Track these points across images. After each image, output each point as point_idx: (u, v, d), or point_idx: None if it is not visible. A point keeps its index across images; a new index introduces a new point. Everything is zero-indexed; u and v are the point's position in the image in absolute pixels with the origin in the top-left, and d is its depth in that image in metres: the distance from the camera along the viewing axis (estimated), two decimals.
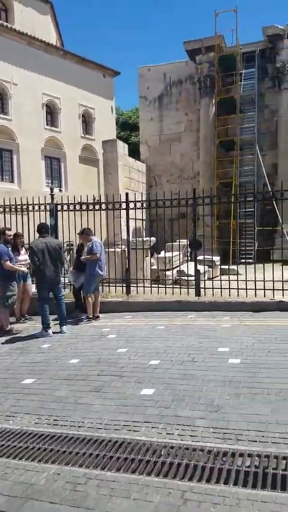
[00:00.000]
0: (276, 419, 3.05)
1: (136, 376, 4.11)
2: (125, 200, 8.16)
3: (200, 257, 9.01)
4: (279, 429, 2.92)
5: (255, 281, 7.08)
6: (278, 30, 13.72)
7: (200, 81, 15.06)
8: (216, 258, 10.69)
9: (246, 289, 7.12)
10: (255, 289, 7.05)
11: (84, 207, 8.17)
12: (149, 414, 3.29)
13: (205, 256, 8.99)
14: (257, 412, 3.18)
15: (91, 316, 6.74)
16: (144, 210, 9.08)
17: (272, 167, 14.31)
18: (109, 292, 8.12)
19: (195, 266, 7.92)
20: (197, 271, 7.80)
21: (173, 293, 7.78)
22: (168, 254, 10.03)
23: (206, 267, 9.61)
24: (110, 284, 8.17)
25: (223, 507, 2.22)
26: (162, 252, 10.29)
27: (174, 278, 9.33)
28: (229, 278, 7.47)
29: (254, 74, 14.34)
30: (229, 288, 7.30)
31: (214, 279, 8.88)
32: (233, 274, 8.48)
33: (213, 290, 7.43)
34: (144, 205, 8.11)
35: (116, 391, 3.79)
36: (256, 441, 2.79)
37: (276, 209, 11.69)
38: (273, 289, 6.90)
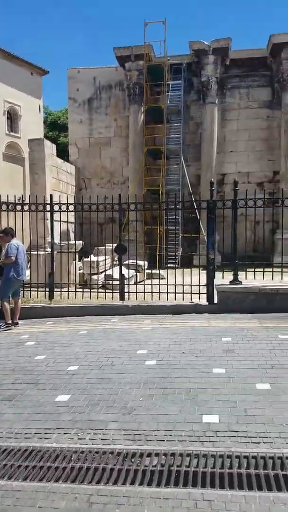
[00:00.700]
0: (184, 418, 3.22)
1: (52, 383, 4.05)
2: (49, 202, 8.01)
3: (128, 262, 9.13)
4: (185, 427, 3.08)
5: (175, 285, 7.37)
6: (203, 46, 14.43)
7: (130, 88, 15.30)
8: (143, 263, 10.92)
9: (167, 292, 7.38)
10: (175, 292, 7.34)
11: (5, 207, 7.86)
12: (62, 420, 3.27)
13: (133, 261, 9.14)
14: (167, 412, 3.32)
15: (9, 323, 6.49)
16: (75, 212, 8.99)
17: (196, 177, 14.99)
18: (30, 297, 7.89)
19: (120, 271, 8.02)
20: (121, 276, 7.90)
21: (97, 298, 7.79)
22: (96, 258, 10.02)
23: (133, 271, 9.77)
24: (33, 289, 7.94)
25: (127, 507, 2.29)
26: (91, 256, 10.25)
27: (101, 283, 9.35)
28: (151, 282, 7.69)
29: (181, 86, 14.94)
30: (151, 292, 7.50)
31: (140, 283, 9.06)
32: (158, 278, 8.77)
33: (136, 294, 7.59)
34: (70, 208, 8.03)
35: (29, 399, 3.71)
36: (164, 441, 2.92)
37: (199, 217, 12.26)
38: (191, 293, 7.25)
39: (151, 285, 7.55)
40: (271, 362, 4.26)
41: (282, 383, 3.71)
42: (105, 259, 10.43)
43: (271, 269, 7.45)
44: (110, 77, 16.44)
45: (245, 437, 2.88)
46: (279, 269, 7.51)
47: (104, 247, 10.85)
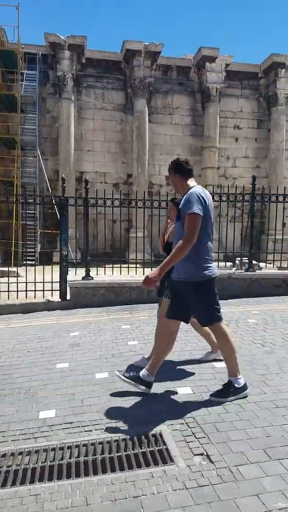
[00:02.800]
0: (20, 417, 3.15)
1: None
2: None
3: None
4: (20, 426, 3.02)
5: (26, 282, 7.15)
6: (59, 40, 14.24)
7: None
8: None
9: (17, 291, 7.11)
10: (26, 290, 7.12)
11: None
12: None
13: None
14: (3, 414, 3.20)
15: None
16: None
17: (54, 172, 14.77)
18: None
19: None
20: None
21: None
22: None
23: None
24: None
25: None
26: None
27: None
28: (2, 281, 7.29)
29: (36, 77, 14.47)
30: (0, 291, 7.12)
31: None
32: (12, 276, 8.34)
33: None
34: None
35: None
36: None
37: (57, 213, 12.11)
38: (43, 290, 7.14)
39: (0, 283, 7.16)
40: (111, 352, 4.50)
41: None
42: None
43: (126, 265, 7.89)
44: None
45: (79, 427, 2.98)
46: (133, 265, 8.02)
47: None
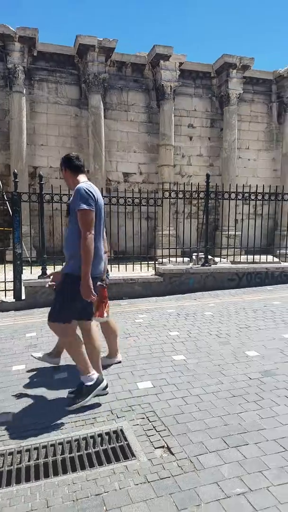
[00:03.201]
0: None
1: None
2: None
3: None
4: None
5: None
6: (9, 31, 13.71)
7: None
8: None
9: None
10: None
11: None
12: None
13: None
14: None
15: None
16: None
17: (5, 167, 14.26)
18: None
19: None
20: None
21: None
22: None
23: None
24: None
25: None
26: None
27: None
28: None
29: None
30: None
31: None
32: None
33: None
34: None
35: None
36: None
37: (10, 209, 11.72)
38: None
39: None
40: None
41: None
42: None
43: None
44: None
45: (38, 429, 2.91)
46: None
47: None
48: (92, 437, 2.78)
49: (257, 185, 9.33)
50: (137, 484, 2.31)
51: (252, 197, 8.85)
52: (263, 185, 9.76)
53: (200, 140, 16.15)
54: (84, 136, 15.06)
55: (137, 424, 2.91)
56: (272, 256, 10.01)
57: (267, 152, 16.65)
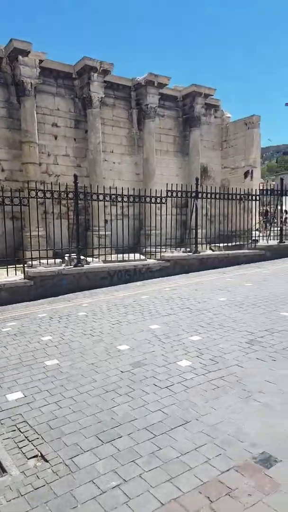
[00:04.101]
0: None
1: None
2: None
3: None
4: None
5: None
6: None
7: None
8: None
9: None
10: None
11: None
12: None
13: None
14: None
15: None
16: None
17: None
18: None
19: None
20: None
21: None
22: None
23: None
24: None
25: None
26: None
27: None
28: None
29: None
30: None
31: None
32: None
33: None
34: None
35: None
36: None
37: None
38: None
39: None
40: None
41: None
42: None
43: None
44: None
45: None
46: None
47: None
48: None
49: (122, 188, 9.70)
50: (9, 501, 2.18)
51: (119, 199, 9.18)
52: (128, 187, 10.20)
53: (66, 140, 16.02)
54: None
55: (8, 438, 2.75)
56: (139, 254, 10.55)
57: (130, 156, 17.42)
